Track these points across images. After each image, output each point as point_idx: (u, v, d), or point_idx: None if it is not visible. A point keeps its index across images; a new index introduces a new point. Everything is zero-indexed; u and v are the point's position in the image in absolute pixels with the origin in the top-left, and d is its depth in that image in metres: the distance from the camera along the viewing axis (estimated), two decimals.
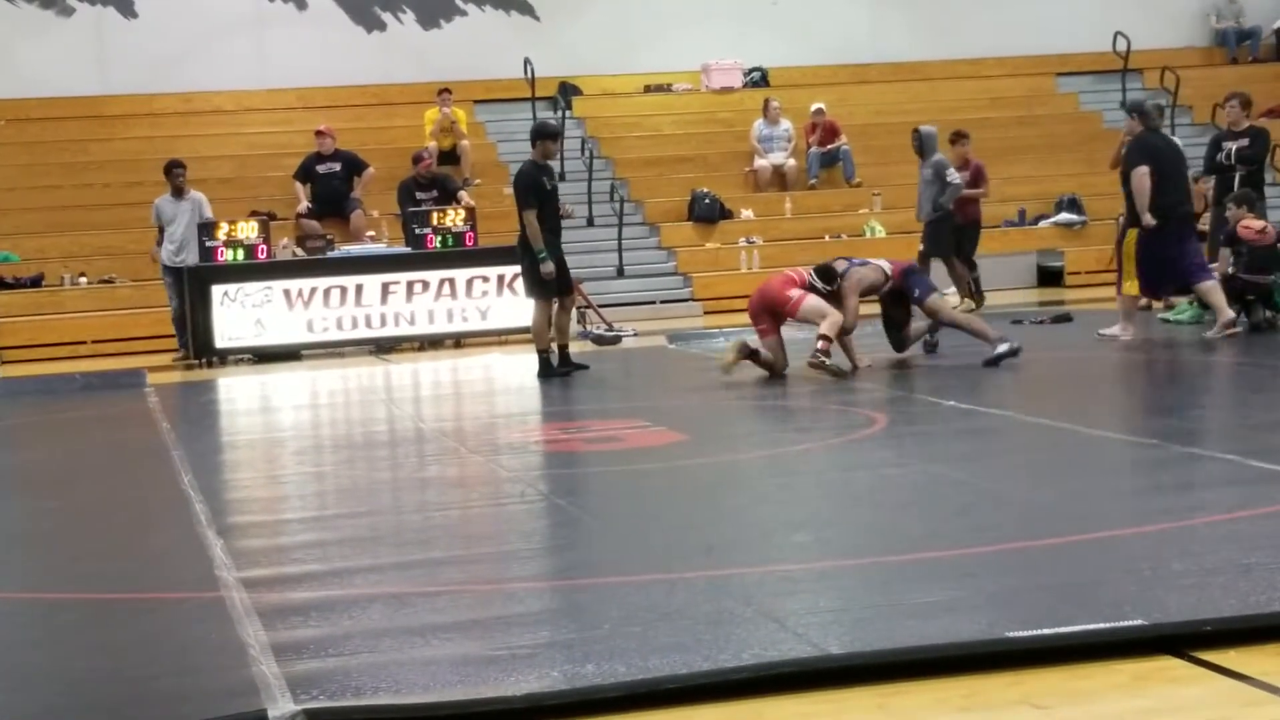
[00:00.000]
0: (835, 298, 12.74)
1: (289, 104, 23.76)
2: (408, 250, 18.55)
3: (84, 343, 18.98)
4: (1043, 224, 22.68)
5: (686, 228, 22.26)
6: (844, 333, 12.85)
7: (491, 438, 10.73)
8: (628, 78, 25.09)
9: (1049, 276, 21.90)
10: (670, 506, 7.83)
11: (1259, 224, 14.40)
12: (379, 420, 12.50)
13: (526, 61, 23.23)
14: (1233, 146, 16.10)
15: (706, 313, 20.26)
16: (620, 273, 21.15)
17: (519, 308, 16.54)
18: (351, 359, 17.47)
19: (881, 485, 7.99)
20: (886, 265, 13.18)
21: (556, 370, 13.65)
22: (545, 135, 13.94)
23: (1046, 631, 4.90)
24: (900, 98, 24.89)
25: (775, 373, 12.73)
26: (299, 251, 18.93)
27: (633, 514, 7.69)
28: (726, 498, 7.96)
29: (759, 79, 25.29)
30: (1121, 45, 24.79)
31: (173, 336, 18.04)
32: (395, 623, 5.52)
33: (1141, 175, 13.65)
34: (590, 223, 21.82)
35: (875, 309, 13.72)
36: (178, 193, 17.85)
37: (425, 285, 18.06)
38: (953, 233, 17.74)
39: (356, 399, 14.63)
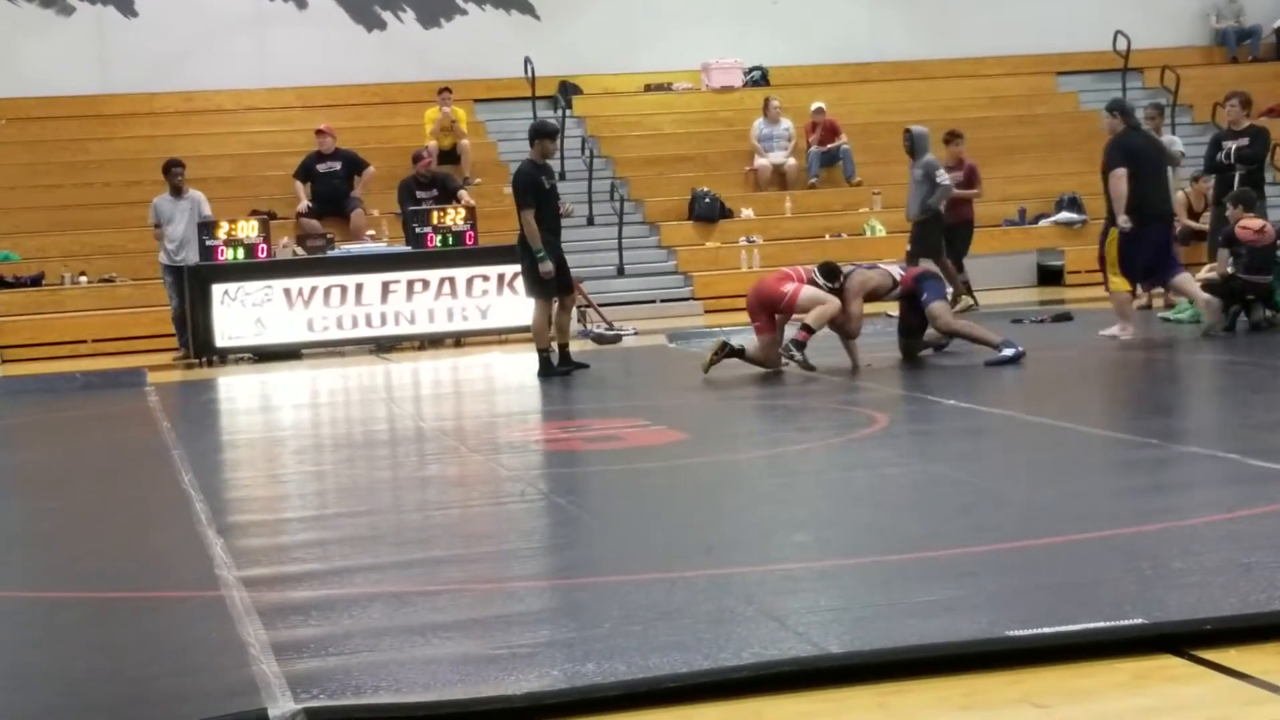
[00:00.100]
0: (838, 297, 12.74)
1: (289, 103, 23.76)
2: (408, 249, 18.55)
3: (84, 342, 18.99)
4: (1043, 223, 22.69)
5: (687, 227, 22.27)
6: (848, 337, 12.85)
7: (492, 437, 10.73)
8: (628, 77, 25.09)
9: (1049, 275, 21.90)
10: (670, 505, 7.82)
11: (1257, 223, 14.39)
12: (379, 419, 12.50)
13: (527, 61, 23.23)
14: (1233, 146, 16.11)
15: (707, 312, 20.27)
16: (620, 272, 21.15)
17: (519, 307, 16.54)
18: (352, 358, 17.47)
19: (882, 484, 7.98)
20: (897, 272, 13.14)
21: (557, 369, 13.65)
22: (543, 134, 13.93)
23: (1047, 630, 4.90)
24: (900, 97, 24.89)
25: (767, 368, 12.76)
26: (299, 250, 18.93)
27: (633, 513, 7.69)
28: (727, 497, 7.96)
29: (759, 78, 25.29)
30: (1122, 44, 24.79)
31: (173, 335, 18.03)
32: (396, 622, 5.52)
33: (1119, 177, 13.64)
34: (590, 222, 21.83)
35: (873, 308, 13.73)
36: (176, 192, 17.85)
37: (425, 284, 18.06)
38: (944, 233, 17.78)
39: (357, 398, 14.63)
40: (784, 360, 12.64)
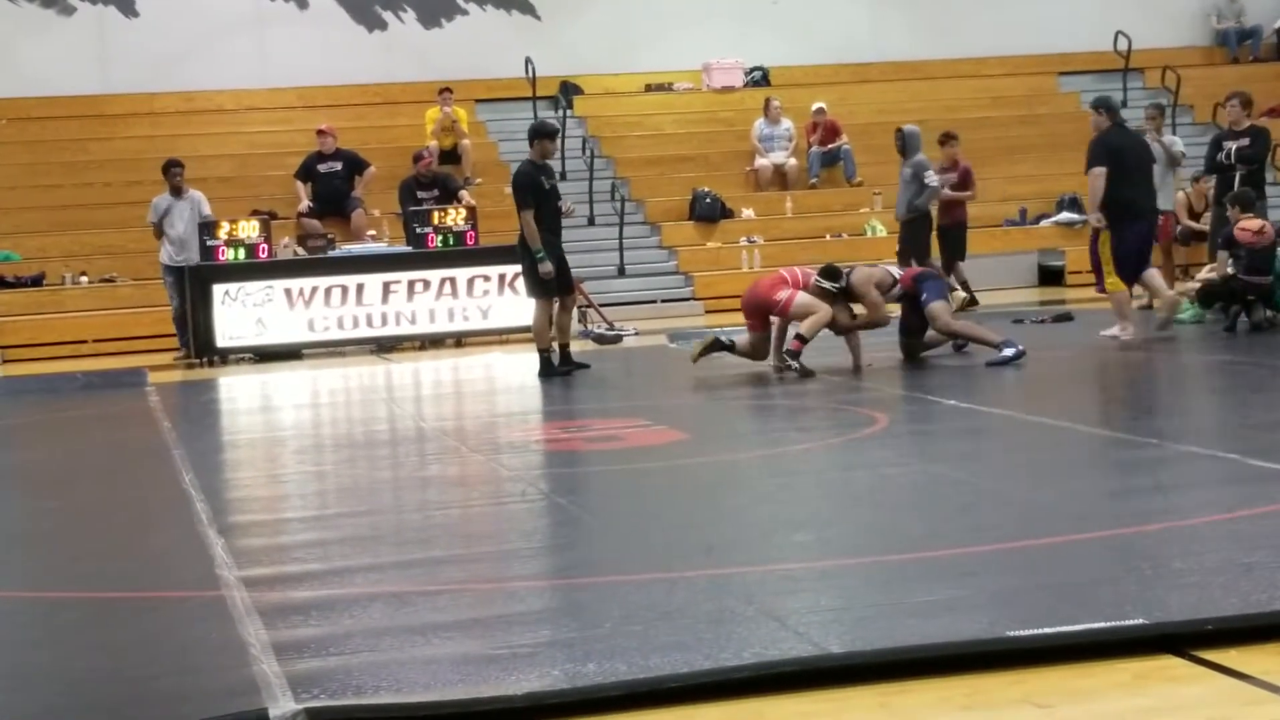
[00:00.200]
0: (846, 296, 12.80)
1: (290, 103, 23.76)
2: (409, 249, 18.55)
3: (85, 342, 18.98)
4: (1044, 223, 22.69)
5: (687, 227, 22.27)
6: (873, 326, 12.91)
7: (492, 437, 10.74)
8: (629, 77, 25.09)
9: (1050, 275, 21.89)
10: (671, 505, 7.83)
11: (1256, 224, 14.38)
12: (380, 419, 12.50)
13: (528, 61, 23.23)
14: (1233, 146, 16.11)
15: (708, 312, 20.26)
16: (621, 272, 21.15)
17: (520, 307, 16.54)
18: (352, 358, 17.47)
19: (882, 484, 7.98)
20: (896, 270, 13.19)
21: (557, 369, 13.65)
22: (543, 134, 13.93)
23: (1048, 630, 4.90)
24: (901, 97, 24.88)
25: (756, 359, 12.88)
26: (300, 251, 18.93)
27: (633, 513, 7.69)
28: (727, 497, 7.96)
29: (760, 78, 25.29)
30: (1123, 45, 24.79)
31: (174, 336, 18.03)
32: (396, 621, 5.52)
33: (1096, 175, 13.65)
34: (591, 222, 21.83)
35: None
36: (176, 192, 17.85)
37: (426, 284, 18.06)
38: (940, 235, 17.80)
39: (357, 398, 14.64)
40: (781, 372, 12.65)
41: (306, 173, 21.19)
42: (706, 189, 22.39)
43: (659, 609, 5.45)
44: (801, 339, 12.49)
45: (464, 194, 20.47)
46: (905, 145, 17.63)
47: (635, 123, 24.50)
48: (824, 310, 12.60)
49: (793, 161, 23.32)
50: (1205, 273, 15.49)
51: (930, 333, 13.18)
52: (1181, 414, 10.39)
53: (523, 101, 23.58)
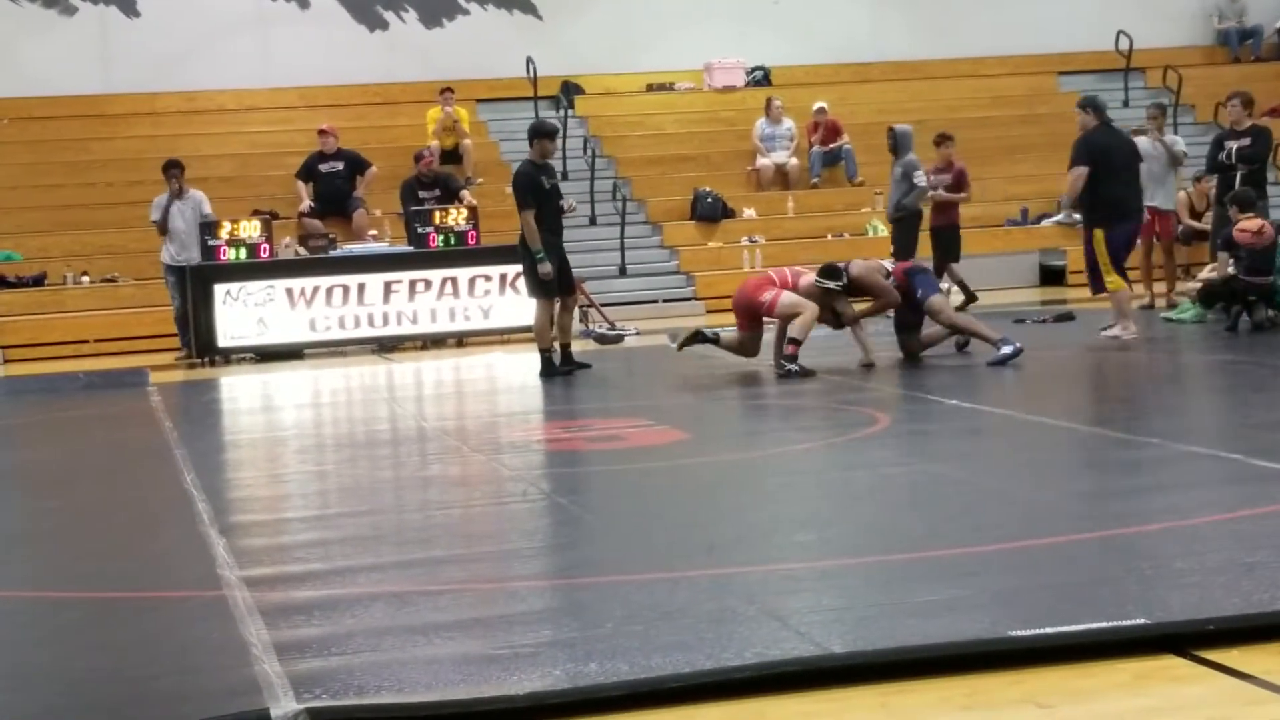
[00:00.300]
0: (849, 294, 12.85)
1: (291, 103, 23.77)
2: (410, 249, 18.55)
3: (86, 342, 18.99)
4: (1045, 223, 22.68)
5: (689, 227, 22.27)
6: (885, 309, 13.03)
7: (493, 436, 10.73)
8: (630, 77, 25.10)
9: (1051, 275, 21.89)
10: (672, 505, 7.82)
11: (1255, 224, 14.38)
12: (381, 419, 12.50)
13: (529, 60, 23.24)
14: (1234, 146, 16.11)
15: (709, 311, 20.25)
16: (623, 272, 21.15)
17: (521, 307, 16.55)
18: (354, 358, 17.48)
19: (883, 484, 7.98)
20: (888, 264, 13.26)
21: (559, 369, 13.65)
22: (542, 134, 13.93)
23: (1049, 630, 4.90)
24: (902, 97, 24.89)
25: (744, 356, 13.10)
26: (301, 250, 18.93)
27: (635, 513, 7.69)
28: (728, 496, 7.96)
29: (761, 78, 25.29)
30: (1123, 44, 24.79)
31: (175, 335, 18.04)
32: (398, 621, 5.52)
33: (1077, 175, 13.66)
34: (593, 222, 21.83)
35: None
36: (175, 193, 17.84)
37: (428, 284, 18.07)
38: (932, 236, 17.82)
39: (359, 398, 14.64)
40: (781, 375, 12.65)
41: (308, 172, 21.20)
42: (708, 189, 22.40)
43: (661, 609, 5.45)
44: (795, 342, 12.51)
45: (465, 194, 20.47)
46: (897, 144, 17.65)
47: (636, 122, 24.51)
48: (810, 309, 12.62)
49: (794, 161, 23.33)
50: (1206, 272, 15.50)
51: (926, 329, 13.20)
52: (1183, 414, 10.39)
53: (524, 101, 23.59)
